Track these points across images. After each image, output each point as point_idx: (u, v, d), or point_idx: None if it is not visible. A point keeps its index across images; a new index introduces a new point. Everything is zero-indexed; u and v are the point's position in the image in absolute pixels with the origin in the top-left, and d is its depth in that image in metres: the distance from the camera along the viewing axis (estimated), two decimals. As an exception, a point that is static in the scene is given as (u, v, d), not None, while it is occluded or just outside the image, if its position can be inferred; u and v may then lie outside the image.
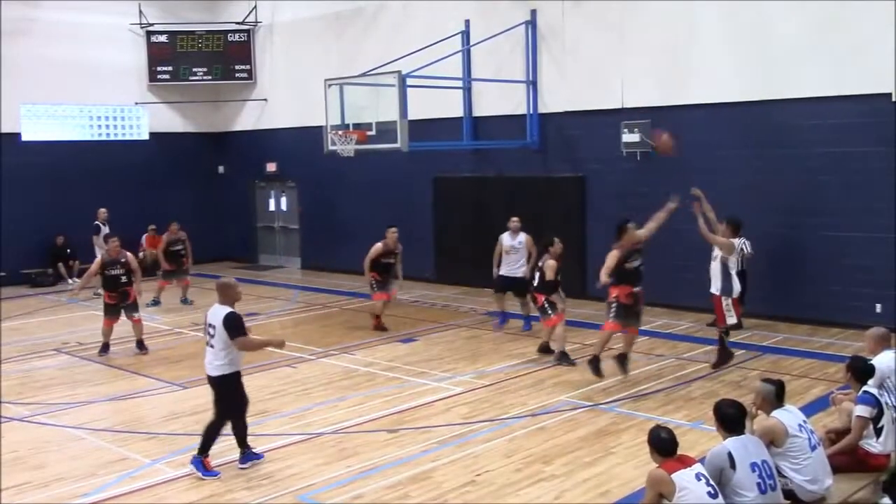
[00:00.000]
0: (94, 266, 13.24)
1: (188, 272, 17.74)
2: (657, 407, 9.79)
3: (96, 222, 19.28)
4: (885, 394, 6.90)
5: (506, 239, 14.02)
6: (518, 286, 13.87)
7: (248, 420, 9.57)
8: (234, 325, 7.97)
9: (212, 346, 8.13)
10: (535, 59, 16.84)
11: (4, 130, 19.93)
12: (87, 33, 21.15)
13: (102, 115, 21.88)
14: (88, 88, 21.20)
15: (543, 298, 12.02)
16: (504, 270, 14.00)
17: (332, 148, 15.14)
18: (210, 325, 8.13)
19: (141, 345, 13.24)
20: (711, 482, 5.55)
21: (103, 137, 21.84)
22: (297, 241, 22.65)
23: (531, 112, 16.92)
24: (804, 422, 6.34)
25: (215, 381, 8.20)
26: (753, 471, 5.72)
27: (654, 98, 15.26)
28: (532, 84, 16.86)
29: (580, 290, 16.51)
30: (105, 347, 13.13)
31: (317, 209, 21.68)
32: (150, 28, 22.31)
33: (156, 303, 17.24)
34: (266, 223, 23.61)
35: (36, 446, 8.93)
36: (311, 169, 21.02)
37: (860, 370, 6.99)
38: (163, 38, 22.47)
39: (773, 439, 6.17)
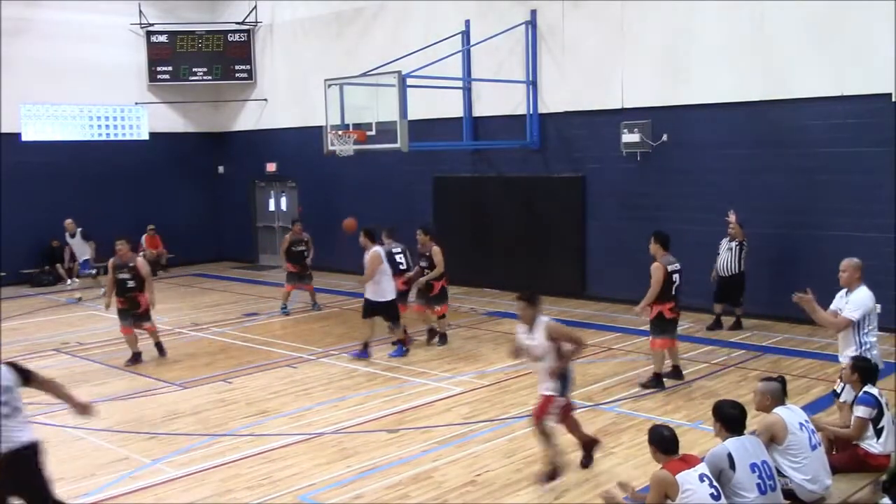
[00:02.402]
0: (110, 273, 12.46)
1: (311, 276, 16.50)
2: (657, 407, 9.79)
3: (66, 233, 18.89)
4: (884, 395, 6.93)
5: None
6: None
7: (249, 420, 9.65)
8: (22, 367, 6.20)
9: (6, 416, 5.87)
10: (534, 59, 16.84)
11: (5, 130, 19.92)
12: (87, 33, 21.15)
13: (102, 115, 21.85)
14: (88, 88, 21.18)
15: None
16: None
17: (331, 148, 15.14)
18: None
19: (159, 348, 12.76)
20: (715, 483, 5.55)
21: (103, 137, 21.82)
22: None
23: (531, 112, 16.92)
24: (805, 421, 6.35)
25: (26, 456, 5.89)
26: (753, 471, 5.72)
27: (654, 98, 15.26)
28: (532, 84, 16.86)
29: (580, 291, 16.55)
30: (134, 358, 12.46)
31: (317, 209, 21.66)
32: (150, 28, 22.32)
33: (284, 310, 16.21)
34: (266, 223, 23.60)
35: (36, 446, 8.92)
36: (311, 169, 21.03)
37: (866, 370, 7.02)
38: (163, 38, 22.46)
39: (774, 435, 6.17)
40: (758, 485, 5.69)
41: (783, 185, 13.95)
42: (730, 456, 5.72)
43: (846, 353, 7.84)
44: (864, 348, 7.73)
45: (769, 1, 13.81)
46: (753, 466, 5.74)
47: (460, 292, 17.66)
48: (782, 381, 6.53)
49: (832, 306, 8.05)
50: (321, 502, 7.36)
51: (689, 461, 5.61)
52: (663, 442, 5.69)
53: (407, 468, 8.03)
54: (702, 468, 5.57)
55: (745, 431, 5.95)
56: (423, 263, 13.04)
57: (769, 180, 14.08)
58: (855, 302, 7.81)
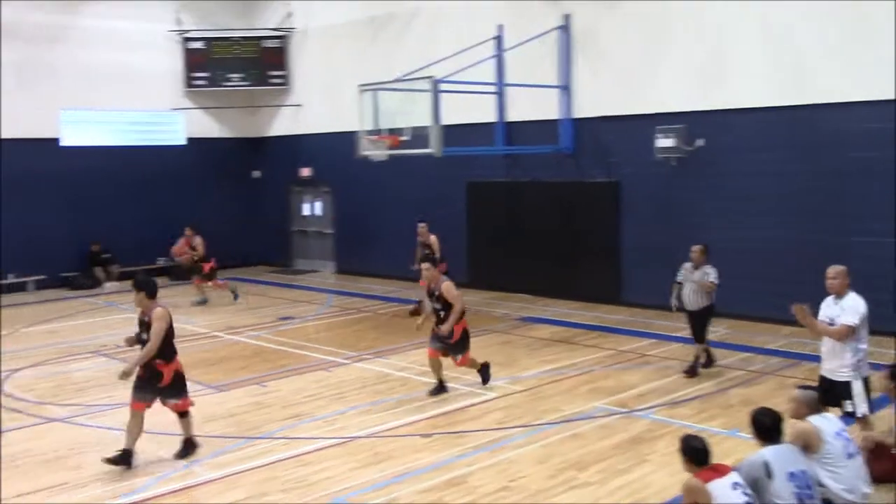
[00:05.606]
0: None
1: (200, 271, 18.11)
2: (693, 414, 9.70)
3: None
4: None
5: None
6: None
7: (283, 423, 9.71)
8: None
9: None
10: (568, 63, 16.79)
11: (45, 136, 20.24)
12: (125, 40, 21.45)
13: (140, 120, 22.14)
14: (127, 94, 21.47)
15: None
16: None
17: (365, 153, 15.21)
18: None
19: None
20: (748, 491, 5.50)
21: (141, 143, 22.09)
22: (332, 245, 22.77)
23: (564, 117, 16.86)
24: (842, 430, 6.27)
25: None
26: (791, 480, 5.67)
27: (689, 103, 15.14)
28: (565, 89, 16.81)
29: (614, 296, 16.45)
30: None
31: (351, 214, 21.79)
32: (187, 34, 22.58)
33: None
34: (301, 227, 23.76)
35: (74, 447, 9.05)
36: (346, 174, 21.11)
37: None
38: (199, 45, 22.72)
39: (808, 443, 6.10)
40: (796, 494, 5.64)
41: (820, 189, 13.76)
42: (766, 464, 5.67)
43: (839, 363, 7.65)
44: (858, 356, 7.58)
45: (806, 2, 13.64)
46: (791, 475, 5.69)
47: (493, 297, 17.64)
48: (821, 390, 6.45)
49: (821, 315, 7.85)
50: (355, 506, 7.39)
51: (720, 470, 5.58)
52: (694, 453, 5.66)
53: (441, 473, 8.03)
54: (734, 477, 5.54)
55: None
56: (143, 334, 8.47)
57: (806, 185, 13.89)
58: (851, 308, 7.69)
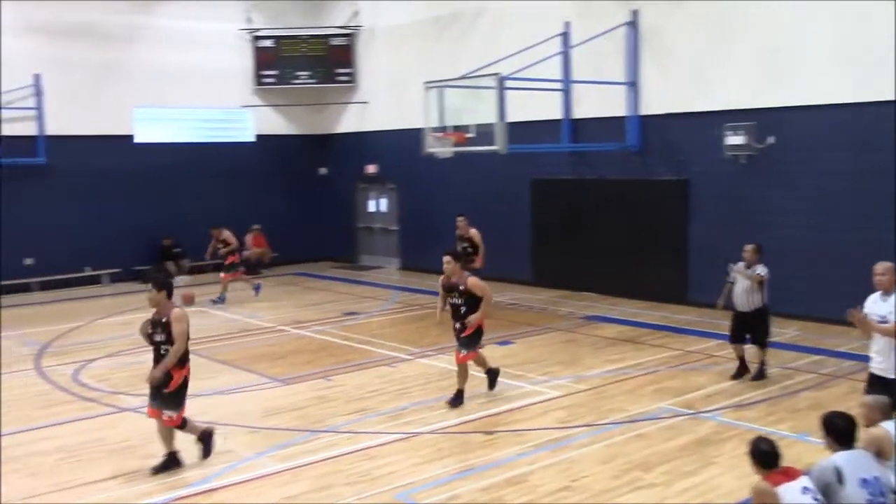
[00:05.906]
0: None
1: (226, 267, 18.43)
2: (760, 417, 9.52)
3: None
4: None
5: None
6: None
7: (347, 417, 9.81)
8: None
9: None
10: (635, 60, 16.59)
11: (120, 133, 20.77)
12: (197, 39, 21.87)
13: (211, 117, 22.57)
14: (198, 92, 21.90)
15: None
16: None
17: (430, 150, 15.26)
18: None
19: None
20: (818, 496, 5.39)
21: (212, 140, 22.52)
22: (397, 241, 22.91)
23: (631, 114, 16.67)
24: (918, 437, 6.08)
25: None
26: (863, 487, 5.53)
27: (759, 99, 14.82)
28: (633, 85, 16.62)
29: (681, 296, 16.21)
30: None
31: (416, 210, 21.89)
32: (257, 33, 22.96)
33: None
34: (366, 224, 23.96)
35: (146, 436, 9.23)
36: (411, 171, 21.21)
37: None
38: (269, 43, 23.09)
39: (881, 449, 5.93)
40: (868, 501, 5.49)
41: (893, 189, 13.34)
42: (838, 470, 5.54)
43: (894, 362, 7.39)
44: None
45: (876, 0, 13.24)
46: (864, 482, 5.54)
47: (558, 295, 17.55)
48: (891, 394, 6.28)
49: (869, 313, 7.59)
50: (418, 501, 7.42)
51: (790, 474, 5.49)
52: (763, 456, 5.57)
53: (502, 471, 8.02)
54: (804, 481, 5.44)
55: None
56: (156, 335, 8.33)
57: (879, 184, 13.46)
58: None
